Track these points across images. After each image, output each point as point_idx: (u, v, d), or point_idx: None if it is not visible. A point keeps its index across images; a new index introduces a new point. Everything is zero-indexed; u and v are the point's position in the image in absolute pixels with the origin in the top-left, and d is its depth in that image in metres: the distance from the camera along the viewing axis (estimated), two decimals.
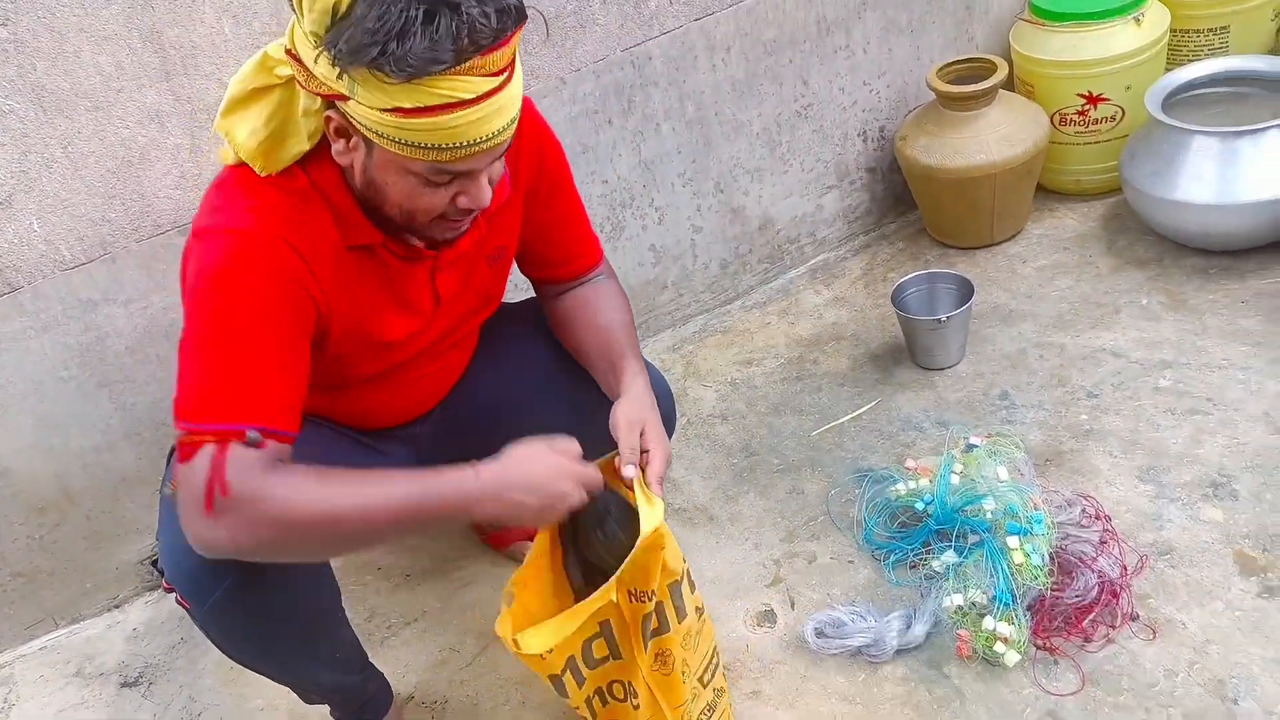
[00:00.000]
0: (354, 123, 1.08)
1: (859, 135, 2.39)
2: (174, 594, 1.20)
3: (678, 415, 1.62)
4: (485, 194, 1.15)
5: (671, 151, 2.17)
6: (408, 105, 1.02)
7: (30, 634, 1.94)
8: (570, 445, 1.23)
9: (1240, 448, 1.75)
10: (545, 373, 1.49)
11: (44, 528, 1.86)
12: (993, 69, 2.23)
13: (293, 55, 1.08)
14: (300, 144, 1.14)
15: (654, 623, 1.30)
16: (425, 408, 1.50)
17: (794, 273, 2.45)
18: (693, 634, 1.38)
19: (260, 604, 1.21)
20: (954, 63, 2.29)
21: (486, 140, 1.07)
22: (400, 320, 1.30)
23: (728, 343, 2.29)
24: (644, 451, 1.29)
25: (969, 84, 2.22)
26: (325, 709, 1.54)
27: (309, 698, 1.47)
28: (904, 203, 2.51)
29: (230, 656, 1.30)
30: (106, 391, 1.81)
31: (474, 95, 1.03)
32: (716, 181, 2.25)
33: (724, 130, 2.20)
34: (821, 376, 2.14)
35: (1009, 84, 2.32)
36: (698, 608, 1.40)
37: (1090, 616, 1.52)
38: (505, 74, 1.06)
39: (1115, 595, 1.53)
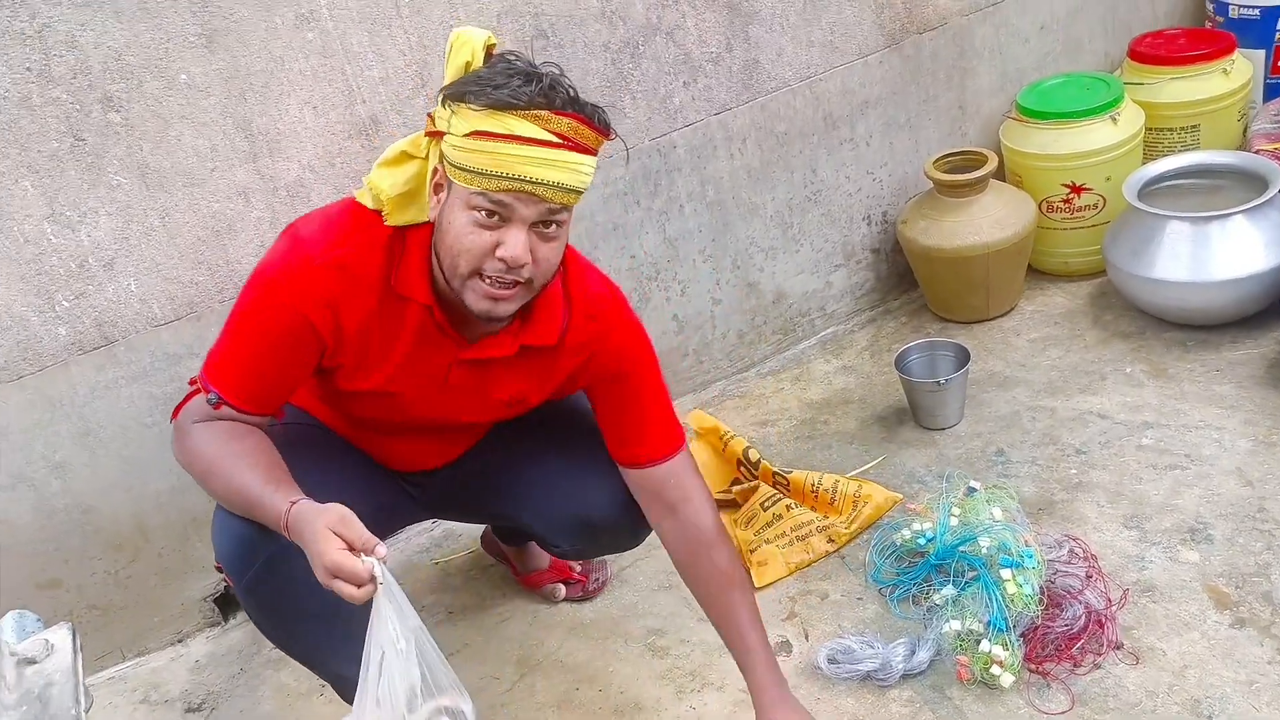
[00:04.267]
0: (445, 163, 1.30)
1: (864, 219, 2.62)
2: (222, 573, 1.43)
3: None
4: (520, 248, 1.28)
5: (693, 230, 2.39)
6: (482, 128, 1.25)
7: (100, 665, 2.08)
8: (350, 533, 1.20)
9: (1215, 498, 1.92)
10: (555, 458, 1.65)
11: (119, 563, 2.03)
12: (984, 160, 2.46)
13: (430, 116, 1.34)
14: (422, 213, 1.37)
15: None
16: (430, 465, 1.68)
17: (805, 343, 2.65)
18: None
19: (287, 584, 1.38)
20: (949, 155, 2.53)
21: (530, 184, 1.25)
22: (406, 378, 1.45)
23: (745, 405, 2.48)
24: None
25: (963, 174, 2.45)
26: None
27: (349, 696, 1.61)
28: (906, 281, 2.72)
29: (268, 636, 1.50)
30: None
31: (530, 137, 1.24)
32: (734, 259, 2.47)
33: (741, 212, 2.43)
34: (831, 436, 2.32)
35: (999, 174, 2.55)
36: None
37: (1078, 644, 1.67)
38: (566, 144, 1.26)
39: (1101, 625, 1.69)
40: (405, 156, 1.38)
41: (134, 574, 2.05)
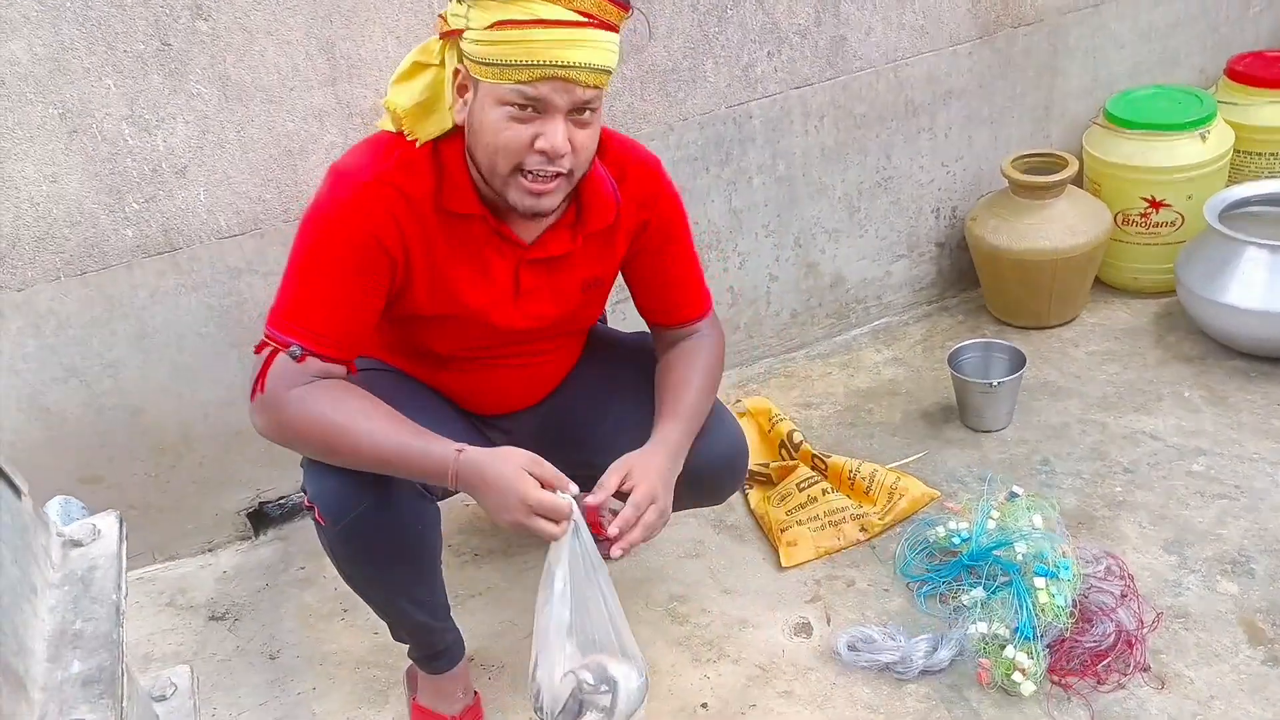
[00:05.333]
0: (467, 63, 1.29)
1: (932, 211, 2.57)
2: (313, 510, 1.41)
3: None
4: (560, 138, 1.28)
5: (759, 204, 2.36)
6: (503, 17, 1.23)
7: (130, 564, 2.11)
8: (545, 472, 1.30)
9: (1261, 533, 1.88)
10: (641, 404, 1.60)
11: (161, 467, 2.06)
12: (1064, 164, 2.41)
13: (442, 17, 1.33)
14: (444, 121, 1.36)
15: None
16: (518, 405, 1.66)
17: (858, 330, 2.62)
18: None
19: (380, 535, 1.41)
20: (1028, 155, 2.47)
21: (561, 67, 1.24)
22: (479, 290, 1.45)
23: (790, 385, 2.46)
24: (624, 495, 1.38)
25: (1041, 175, 2.40)
26: (401, 654, 1.71)
27: (398, 634, 1.64)
28: (967, 279, 2.67)
29: (346, 577, 1.50)
30: (236, 352, 2.01)
31: (556, 19, 1.23)
32: (796, 237, 2.44)
33: (809, 191, 2.40)
34: (874, 425, 2.30)
35: (1078, 181, 2.49)
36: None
37: (1105, 661, 1.65)
38: (591, 21, 1.26)
39: (1130, 645, 1.66)
40: (419, 67, 1.37)
41: (173, 479, 2.08)
